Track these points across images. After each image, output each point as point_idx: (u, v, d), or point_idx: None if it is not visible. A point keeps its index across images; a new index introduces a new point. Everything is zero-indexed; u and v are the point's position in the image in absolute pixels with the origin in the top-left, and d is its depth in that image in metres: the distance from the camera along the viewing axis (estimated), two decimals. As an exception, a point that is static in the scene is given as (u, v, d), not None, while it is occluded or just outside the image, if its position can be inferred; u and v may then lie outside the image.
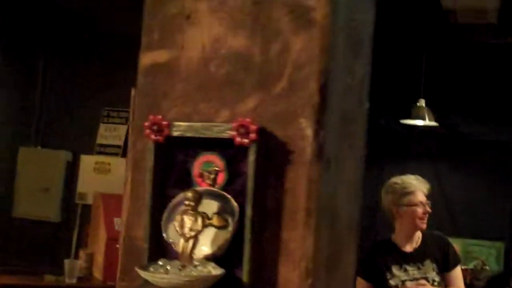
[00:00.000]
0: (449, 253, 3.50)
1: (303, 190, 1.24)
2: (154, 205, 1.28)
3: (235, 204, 1.23)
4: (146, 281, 1.21)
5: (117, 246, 3.03)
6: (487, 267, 5.90)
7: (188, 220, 1.21)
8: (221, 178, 1.27)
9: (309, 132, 1.24)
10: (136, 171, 1.37)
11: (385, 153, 5.72)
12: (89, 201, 5.21)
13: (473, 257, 5.89)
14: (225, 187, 1.27)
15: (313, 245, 1.23)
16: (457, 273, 3.51)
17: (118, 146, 5.55)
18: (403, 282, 3.32)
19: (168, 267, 1.17)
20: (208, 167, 1.27)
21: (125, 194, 1.44)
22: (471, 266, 5.68)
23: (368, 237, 4.14)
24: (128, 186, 1.39)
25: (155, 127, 1.27)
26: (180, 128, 1.26)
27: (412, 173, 3.51)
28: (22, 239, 5.44)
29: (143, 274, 1.17)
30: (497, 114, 5.86)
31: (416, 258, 3.44)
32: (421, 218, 3.33)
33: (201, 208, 1.24)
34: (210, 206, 1.25)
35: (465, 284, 3.55)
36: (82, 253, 4.50)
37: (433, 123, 5.60)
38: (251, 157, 1.21)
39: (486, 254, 6.05)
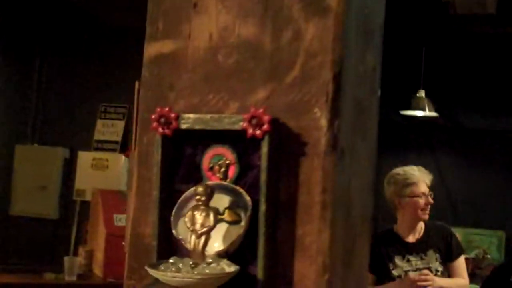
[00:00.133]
0: (452, 243, 3.49)
1: (318, 182, 1.19)
2: (163, 201, 1.23)
3: (247, 198, 1.18)
4: (156, 280, 1.16)
5: (123, 243, 2.99)
6: (488, 256, 5.89)
7: (199, 216, 1.16)
8: (232, 171, 1.22)
9: (323, 122, 1.20)
10: (142, 166, 1.32)
11: (385, 144, 5.68)
12: (87, 197, 5.16)
13: (474, 246, 5.88)
14: (236, 181, 1.22)
15: (329, 239, 1.19)
16: (460, 263, 3.50)
17: (116, 142, 5.51)
18: (406, 272, 3.30)
19: (180, 265, 1.12)
20: (218, 160, 1.23)
21: (130, 190, 1.39)
22: (472, 255, 5.67)
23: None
24: (134, 181, 1.34)
25: (162, 120, 1.22)
26: (188, 121, 1.21)
27: (413, 164, 3.49)
28: (20, 237, 5.40)
29: (153, 272, 1.12)
30: (497, 104, 5.84)
31: (419, 248, 3.42)
32: (423, 209, 3.32)
33: (212, 203, 1.19)
34: (221, 201, 1.20)
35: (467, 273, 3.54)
36: (81, 250, 4.45)
37: (433, 114, 5.57)
38: (264, 149, 1.16)
39: (487, 243, 6.04)
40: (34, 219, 5.44)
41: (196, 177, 1.25)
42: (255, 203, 1.18)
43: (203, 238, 1.15)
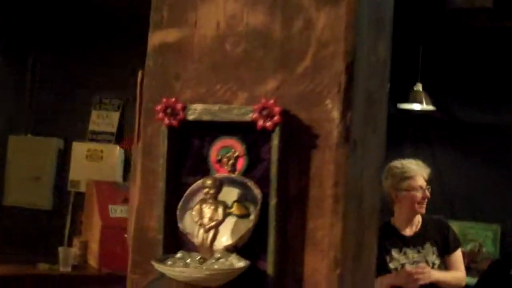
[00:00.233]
0: (449, 237, 3.49)
1: (330, 175, 1.16)
2: (169, 194, 1.20)
3: (257, 191, 1.14)
4: (162, 275, 1.13)
5: (125, 236, 2.95)
6: (484, 250, 5.90)
7: (207, 210, 1.12)
8: (241, 164, 1.19)
9: (335, 114, 1.16)
10: (147, 158, 1.28)
11: (382, 137, 5.66)
12: (82, 188, 5.12)
13: (470, 240, 5.88)
14: (245, 174, 1.18)
15: (342, 232, 1.16)
16: (457, 256, 3.50)
17: (111, 133, 5.46)
18: (402, 265, 3.29)
19: (188, 260, 1.09)
20: (226, 152, 1.19)
21: (134, 182, 1.35)
22: (468, 248, 5.67)
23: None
24: (138, 173, 1.30)
25: (168, 110, 1.18)
26: (196, 111, 1.18)
27: (409, 157, 3.47)
28: (14, 228, 5.35)
29: (160, 267, 1.09)
30: (494, 99, 5.82)
31: (416, 241, 3.42)
32: (420, 203, 3.31)
33: (220, 196, 1.15)
34: (229, 194, 1.17)
35: (463, 266, 3.54)
36: (76, 241, 4.41)
37: (431, 107, 5.55)
38: (275, 142, 1.13)
39: (482, 237, 6.04)
40: (28, 210, 5.39)
41: (203, 170, 1.21)
42: (265, 197, 1.15)
43: (211, 232, 1.11)
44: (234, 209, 1.16)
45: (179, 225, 1.18)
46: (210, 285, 1.08)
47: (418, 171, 3.34)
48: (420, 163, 3.41)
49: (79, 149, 5.37)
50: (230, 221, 1.16)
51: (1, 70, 5.43)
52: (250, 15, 1.23)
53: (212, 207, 1.12)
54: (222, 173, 1.19)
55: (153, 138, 1.27)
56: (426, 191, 3.32)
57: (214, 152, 1.20)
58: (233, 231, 1.16)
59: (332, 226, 1.16)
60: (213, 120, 1.17)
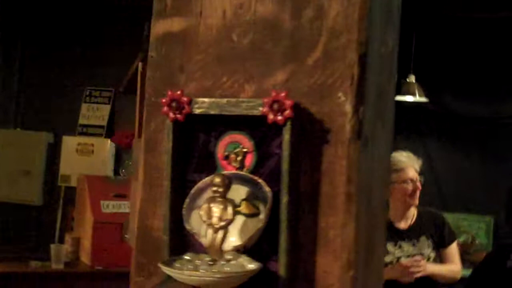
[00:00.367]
0: (445, 230, 3.47)
1: (343, 172, 1.11)
2: (174, 192, 1.14)
3: (267, 189, 1.09)
4: (169, 277, 1.07)
5: (125, 236, 2.89)
6: (477, 241, 5.90)
7: (216, 209, 1.07)
8: (250, 160, 1.13)
9: (348, 107, 1.11)
10: (150, 154, 1.22)
11: (375, 129, 5.62)
12: (72, 183, 5.04)
13: (463, 232, 5.87)
14: (254, 170, 1.13)
15: (354, 232, 1.11)
16: (453, 249, 3.49)
17: (101, 127, 5.38)
18: (398, 259, 3.27)
19: (197, 262, 1.03)
20: (234, 148, 1.14)
21: (136, 179, 1.29)
22: (461, 240, 5.67)
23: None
24: (141, 170, 1.24)
25: (174, 104, 1.12)
26: (203, 105, 1.12)
27: (402, 149, 3.43)
28: (3, 224, 5.26)
29: (168, 271, 1.03)
30: (487, 90, 5.80)
31: (411, 234, 3.39)
32: (411, 195, 3.27)
33: (228, 194, 1.10)
34: (237, 192, 1.11)
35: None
36: (68, 237, 4.34)
37: (423, 99, 5.52)
38: (286, 137, 1.07)
39: (475, 228, 6.04)
40: (17, 205, 5.31)
41: (210, 166, 1.16)
42: (275, 194, 1.10)
43: (220, 233, 1.06)
44: (243, 208, 1.11)
45: (186, 225, 1.12)
46: (220, 288, 1.03)
47: (408, 163, 3.30)
48: (411, 155, 3.38)
49: (69, 143, 5.29)
50: (239, 221, 1.11)
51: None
52: (258, 4, 1.17)
53: (221, 206, 1.07)
54: (230, 170, 1.14)
55: (156, 133, 1.21)
56: (418, 182, 3.28)
57: (221, 148, 1.15)
58: (241, 231, 1.10)
59: (344, 225, 1.11)
60: (221, 114, 1.11)
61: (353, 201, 1.11)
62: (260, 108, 1.08)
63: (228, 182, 1.07)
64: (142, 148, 1.23)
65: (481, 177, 6.00)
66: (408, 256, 3.38)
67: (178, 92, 1.13)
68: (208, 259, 1.05)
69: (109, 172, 5.13)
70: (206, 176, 1.14)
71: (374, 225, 1.29)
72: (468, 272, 4.21)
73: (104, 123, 5.38)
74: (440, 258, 3.46)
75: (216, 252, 1.06)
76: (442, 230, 3.47)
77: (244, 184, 1.12)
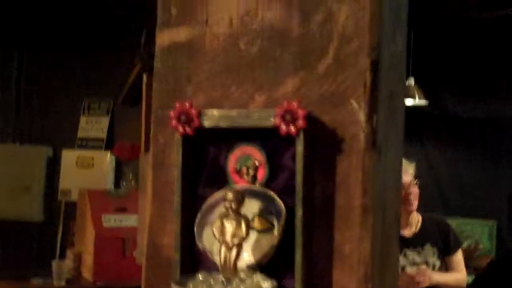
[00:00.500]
0: (450, 237, 3.43)
1: (358, 183, 1.07)
2: (184, 208, 1.10)
3: (281, 203, 1.05)
4: (180, 297, 1.03)
5: (133, 253, 2.84)
6: (480, 246, 5.85)
7: (229, 225, 1.03)
8: (262, 173, 1.09)
9: (361, 116, 1.07)
10: (158, 169, 1.18)
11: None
12: (73, 197, 4.98)
13: (466, 237, 5.83)
14: (266, 184, 1.09)
15: (371, 246, 1.06)
16: (458, 257, 3.45)
17: (101, 139, 5.33)
18: (403, 268, 3.22)
19: (211, 282, 0.99)
20: (245, 161, 1.09)
21: (144, 194, 1.25)
22: (464, 245, 5.63)
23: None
24: (149, 186, 1.20)
25: (182, 117, 1.08)
26: (212, 117, 1.08)
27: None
28: (4, 241, 5.20)
29: (180, 291, 0.99)
30: (487, 92, 5.77)
31: (415, 242, 3.35)
32: (406, 201, 3.20)
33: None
34: (250, 206, 1.07)
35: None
36: (69, 253, 4.29)
37: (423, 102, 5.49)
38: (299, 148, 1.03)
39: (478, 233, 6.00)
40: (17, 222, 5.25)
41: (220, 181, 1.11)
42: (288, 209, 1.06)
43: (234, 250, 1.02)
44: (256, 223, 1.07)
45: (198, 242, 1.08)
46: (235, 308, 0.98)
47: None
48: (403, 159, 3.33)
49: (68, 156, 5.24)
50: (252, 237, 1.06)
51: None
52: (265, 11, 1.14)
53: (235, 223, 1.02)
54: (241, 183, 1.10)
55: (165, 147, 1.17)
56: (412, 187, 3.23)
57: (232, 161, 1.11)
58: (255, 248, 1.06)
59: (360, 239, 1.07)
60: (231, 127, 1.07)
61: (369, 214, 1.07)
62: (272, 119, 1.04)
63: (241, 197, 1.03)
64: (150, 162, 1.19)
65: (482, 181, 5.96)
66: (413, 264, 3.34)
67: (187, 105, 1.09)
68: (222, 278, 1.00)
69: (110, 185, 5.08)
70: (217, 191, 1.10)
71: (389, 237, 1.25)
72: (471, 278, 4.16)
73: (103, 135, 5.33)
74: (446, 266, 3.42)
75: (230, 270, 1.01)
76: (447, 237, 3.43)
77: (256, 199, 1.08)
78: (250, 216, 1.07)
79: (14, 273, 4.16)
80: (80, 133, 5.34)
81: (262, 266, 1.06)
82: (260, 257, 1.05)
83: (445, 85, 5.84)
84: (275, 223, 1.06)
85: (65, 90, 5.36)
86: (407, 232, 3.32)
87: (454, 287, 3.39)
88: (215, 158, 1.11)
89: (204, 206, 1.09)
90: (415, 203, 3.28)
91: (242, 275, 1.00)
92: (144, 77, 1.18)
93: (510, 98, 5.64)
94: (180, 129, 1.07)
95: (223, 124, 1.07)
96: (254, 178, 1.08)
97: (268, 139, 1.08)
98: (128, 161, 4.49)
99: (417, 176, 3.30)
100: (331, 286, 1.07)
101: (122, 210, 4.07)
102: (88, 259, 4.03)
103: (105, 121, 5.33)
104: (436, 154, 6.01)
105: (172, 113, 1.08)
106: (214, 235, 1.03)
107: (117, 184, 5.03)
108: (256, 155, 1.09)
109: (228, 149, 1.11)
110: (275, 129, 1.05)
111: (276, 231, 1.05)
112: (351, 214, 1.07)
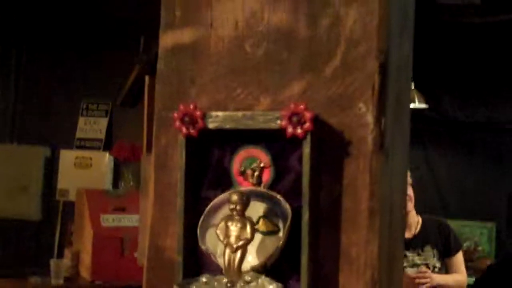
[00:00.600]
0: (450, 239, 3.43)
1: (365, 186, 1.06)
2: (188, 210, 1.09)
3: (286, 206, 1.04)
4: (183, 300, 1.02)
5: (135, 254, 2.83)
6: (479, 248, 5.86)
7: (234, 227, 1.02)
8: (267, 175, 1.08)
9: (369, 118, 1.06)
10: (161, 171, 1.17)
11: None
12: (71, 197, 4.97)
13: (465, 238, 5.84)
14: (271, 186, 1.08)
15: (378, 249, 1.06)
16: (458, 258, 3.46)
17: (99, 140, 5.32)
18: (403, 269, 3.22)
19: (215, 284, 0.98)
20: (251, 163, 1.09)
21: (146, 197, 1.24)
22: (464, 247, 5.63)
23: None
24: (151, 188, 1.19)
25: (186, 119, 1.07)
26: (217, 119, 1.07)
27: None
28: (2, 241, 5.19)
29: (184, 294, 0.98)
30: (487, 95, 5.78)
31: (415, 244, 3.36)
32: None
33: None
34: (255, 209, 1.06)
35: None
36: (67, 252, 4.28)
37: (423, 106, 5.49)
38: (306, 151, 1.02)
39: (477, 235, 6.00)
40: (15, 221, 5.24)
41: (225, 182, 1.10)
42: (294, 211, 1.05)
43: (239, 253, 1.01)
44: (261, 226, 1.06)
45: (201, 244, 1.07)
46: (240, 312, 0.97)
47: None
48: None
49: (67, 157, 5.22)
50: (256, 239, 1.06)
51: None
52: (272, 13, 1.13)
53: (239, 225, 1.01)
54: (246, 186, 1.09)
55: (168, 149, 1.16)
56: (408, 188, 3.24)
57: (236, 163, 1.10)
58: (259, 250, 1.05)
59: (367, 242, 1.06)
60: (236, 128, 1.06)
61: (376, 217, 1.06)
62: (278, 121, 1.03)
63: (246, 200, 1.02)
64: (152, 164, 1.18)
65: (482, 184, 5.97)
66: (413, 266, 3.34)
67: (191, 106, 1.08)
68: (226, 280, 0.99)
69: (108, 185, 5.07)
70: (221, 193, 1.09)
71: (395, 240, 1.24)
72: (472, 280, 4.16)
73: (102, 136, 5.32)
74: (446, 267, 3.42)
75: (234, 273, 1.00)
76: (448, 238, 3.44)
77: (261, 201, 1.07)
78: (255, 219, 1.06)
79: (12, 271, 4.15)
80: (79, 134, 5.33)
81: (267, 269, 1.05)
82: (265, 260, 1.04)
83: (446, 89, 5.84)
84: (281, 225, 1.05)
85: (64, 91, 5.35)
86: (407, 234, 3.32)
87: None
88: (219, 160, 1.10)
89: (208, 208, 1.08)
90: (410, 205, 3.30)
91: (247, 277, 0.99)
92: (147, 78, 1.17)
93: (510, 102, 5.65)
94: (184, 130, 1.06)
95: (227, 125, 1.06)
96: (259, 180, 1.07)
97: (274, 141, 1.07)
98: (127, 161, 4.48)
99: (414, 181, 3.32)
100: (337, 290, 1.06)
101: (121, 210, 4.07)
102: (86, 258, 4.02)
103: (103, 122, 5.31)
104: (436, 157, 6.02)
105: (176, 115, 1.07)
106: (218, 237, 1.02)
107: (115, 184, 5.02)
108: (261, 157, 1.08)
109: (232, 151, 1.10)
110: (281, 131, 1.04)
111: (281, 234, 1.04)
112: (358, 217, 1.06)
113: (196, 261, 1.11)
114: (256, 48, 1.13)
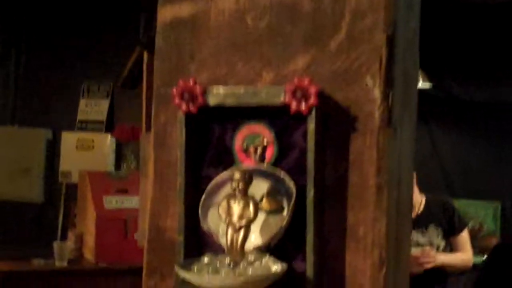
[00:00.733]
0: (454, 218, 3.41)
1: (372, 162, 1.02)
2: (188, 189, 1.06)
3: (291, 183, 1.01)
4: (183, 281, 0.99)
5: (135, 235, 2.81)
6: (484, 227, 5.85)
7: (236, 206, 0.98)
8: (270, 152, 1.05)
9: (376, 93, 1.02)
10: (160, 149, 1.14)
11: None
12: (73, 179, 4.95)
13: (470, 218, 5.81)
14: (275, 164, 1.04)
15: (386, 228, 1.02)
16: (463, 237, 3.43)
17: (101, 122, 5.29)
18: (406, 249, 3.20)
19: (217, 265, 0.95)
20: (253, 140, 1.05)
21: (145, 176, 1.21)
22: (469, 227, 5.61)
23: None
24: (151, 167, 1.16)
25: (186, 95, 1.03)
26: (218, 95, 1.03)
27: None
28: (5, 223, 5.18)
29: (185, 274, 0.95)
30: (491, 74, 5.72)
31: (419, 223, 3.33)
32: None
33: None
34: (258, 187, 1.03)
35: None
36: (71, 234, 4.26)
37: (427, 85, 5.44)
38: (311, 127, 0.99)
39: (483, 214, 5.98)
40: (18, 203, 5.23)
41: (226, 160, 1.07)
42: (299, 189, 1.01)
43: (242, 232, 0.97)
44: (264, 204, 1.02)
45: (203, 224, 1.04)
46: (244, 293, 0.94)
47: None
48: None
49: (68, 139, 5.19)
50: (260, 218, 1.02)
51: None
52: (274, -16, 1.08)
53: (242, 204, 0.98)
54: (249, 163, 1.05)
55: (167, 127, 1.12)
56: None
57: (239, 140, 1.06)
58: (262, 229, 1.02)
59: (375, 220, 1.02)
60: (238, 105, 1.02)
61: (383, 194, 1.03)
62: (282, 97, 0.99)
63: (249, 177, 0.98)
64: (151, 143, 1.15)
65: (486, 163, 5.94)
66: (418, 245, 3.32)
67: (191, 82, 1.04)
68: (228, 260, 0.96)
69: (110, 167, 5.04)
70: (223, 171, 1.06)
71: (402, 218, 1.20)
72: (478, 259, 4.14)
73: (103, 118, 5.29)
74: (451, 246, 3.40)
75: (237, 253, 0.97)
76: (452, 217, 3.41)
77: (265, 179, 1.03)
78: (258, 197, 1.02)
79: (16, 254, 4.14)
80: (80, 116, 5.29)
81: (271, 248, 1.02)
82: (268, 239, 1.01)
83: (449, 69, 5.78)
84: (285, 204, 1.02)
85: (65, 73, 5.31)
86: (411, 213, 3.30)
87: (460, 267, 3.38)
88: (220, 137, 1.07)
89: (210, 187, 1.05)
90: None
91: (250, 257, 0.95)
92: (145, 55, 1.13)
93: (514, 81, 5.60)
94: (184, 107, 1.02)
95: (229, 102, 1.02)
96: (263, 157, 1.04)
97: (277, 117, 1.04)
98: (128, 142, 4.46)
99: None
100: (344, 269, 1.03)
101: (123, 191, 4.05)
102: (90, 240, 4.01)
103: (104, 104, 5.28)
104: (440, 136, 5.97)
105: (175, 91, 1.03)
106: (220, 217, 0.99)
107: (117, 166, 5.00)
108: (264, 133, 1.04)
109: (234, 128, 1.06)
110: (284, 107, 1.00)
111: (285, 212, 1.01)
112: (365, 193, 1.03)
113: (198, 241, 1.08)
114: (258, 21, 1.09)
